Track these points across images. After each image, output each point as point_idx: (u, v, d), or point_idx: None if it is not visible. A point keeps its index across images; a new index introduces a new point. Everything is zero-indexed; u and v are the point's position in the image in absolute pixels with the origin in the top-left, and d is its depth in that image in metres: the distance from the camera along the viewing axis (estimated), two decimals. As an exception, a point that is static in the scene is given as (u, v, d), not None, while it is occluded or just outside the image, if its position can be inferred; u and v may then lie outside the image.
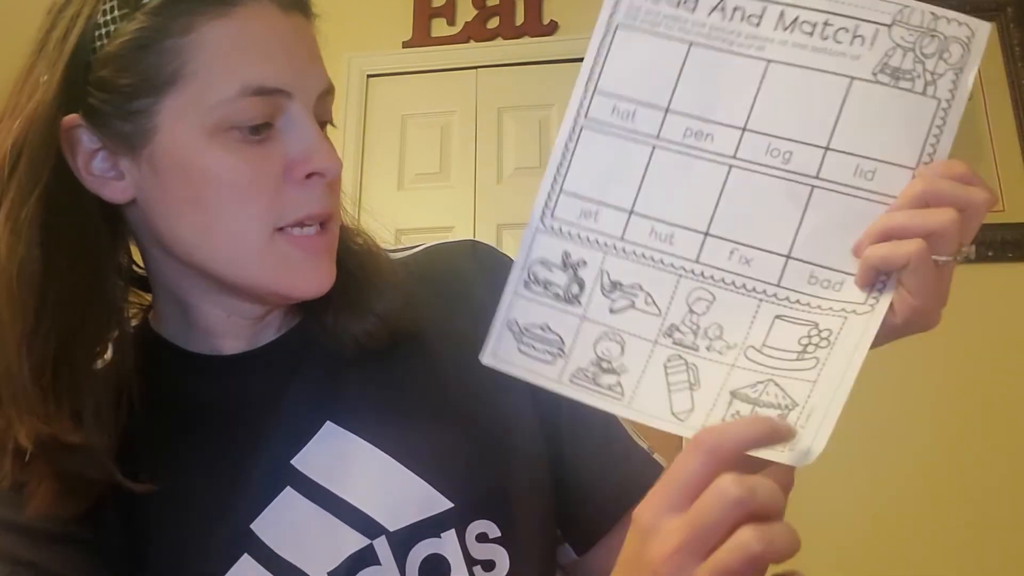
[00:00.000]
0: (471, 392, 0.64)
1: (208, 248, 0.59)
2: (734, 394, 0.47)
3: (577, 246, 0.52)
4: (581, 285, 0.51)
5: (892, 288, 0.46)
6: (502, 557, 0.61)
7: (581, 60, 0.53)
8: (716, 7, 0.50)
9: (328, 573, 0.58)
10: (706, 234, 0.49)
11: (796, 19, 0.49)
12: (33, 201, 0.56)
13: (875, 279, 0.46)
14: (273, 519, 0.60)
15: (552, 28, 2.57)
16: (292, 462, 0.62)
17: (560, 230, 0.52)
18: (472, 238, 0.75)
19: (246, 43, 0.56)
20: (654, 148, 0.51)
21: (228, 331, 0.65)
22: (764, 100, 0.49)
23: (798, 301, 0.48)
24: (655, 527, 0.42)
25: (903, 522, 2.03)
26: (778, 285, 0.48)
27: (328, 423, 0.63)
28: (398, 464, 0.61)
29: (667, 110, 0.51)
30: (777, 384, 0.46)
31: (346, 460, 0.62)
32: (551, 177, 0.53)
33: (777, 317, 0.48)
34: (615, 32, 0.52)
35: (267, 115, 0.57)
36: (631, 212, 0.51)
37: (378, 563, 0.59)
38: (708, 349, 0.48)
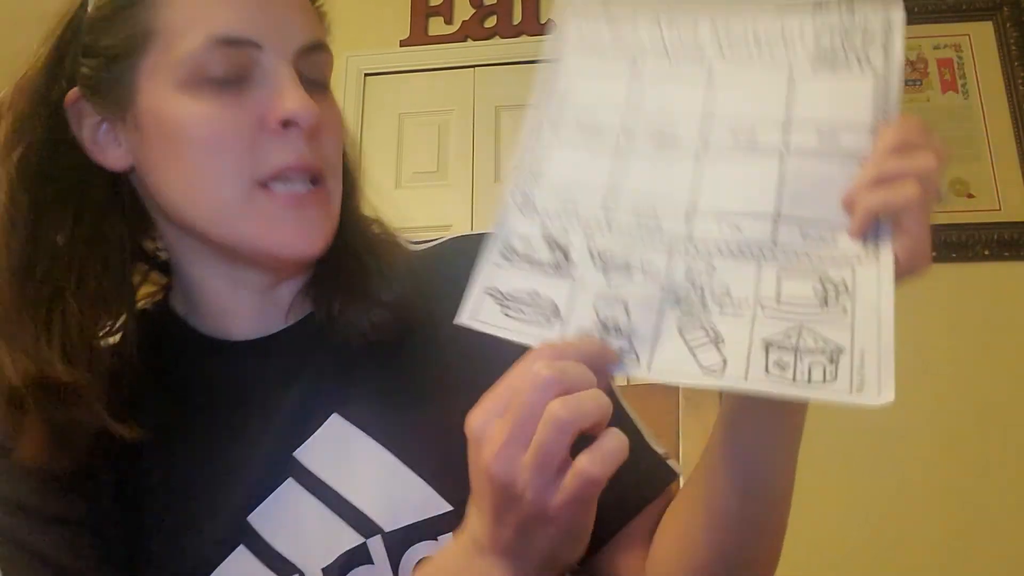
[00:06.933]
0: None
1: (191, 205, 0.60)
2: (768, 343, 0.47)
3: (558, 225, 0.51)
4: (569, 257, 0.50)
5: (887, 234, 0.48)
6: None
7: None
8: (654, 24, 0.54)
9: (322, 570, 0.58)
10: (689, 209, 0.50)
11: (729, 30, 0.53)
12: (16, 159, 0.59)
13: (871, 226, 0.48)
14: (271, 511, 0.60)
15: (550, 27, 2.56)
16: (295, 454, 0.62)
17: (536, 207, 0.52)
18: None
19: None
20: (619, 143, 0.52)
21: (236, 308, 0.65)
22: (717, 95, 0.52)
23: (796, 255, 0.49)
24: (483, 433, 0.44)
25: (900, 522, 2.03)
26: (774, 244, 0.49)
27: (335, 415, 0.63)
28: (401, 464, 0.61)
29: (626, 113, 0.53)
30: (810, 329, 0.47)
31: (349, 455, 0.61)
32: (524, 152, 0.53)
33: (781, 271, 0.49)
34: (564, 55, 0.57)
35: (237, 66, 0.57)
36: (610, 191, 0.51)
37: (371, 562, 0.58)
38: (721, 312, 0.48)
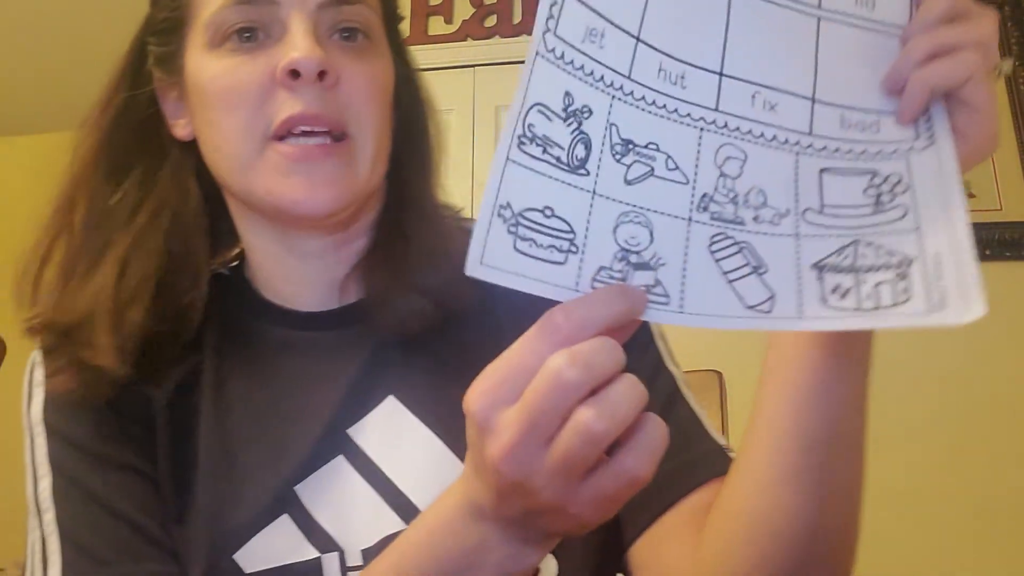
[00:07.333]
0: None
1: (218, 163, 0.62)
2: (820, 267, 0.40)
3: (580, 85, 0.40)
4: (588, 145, 0.40)
5: (941, 114, 0.42)
6: (548, 562, 0.59)
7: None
8: None
9: (362, 551, 0.58)
10: (721, 74, 0.42)
11: None
12: (100, 132, 0.64)
13: (926, 105, 0.42)
14: (319, 485, 0.60)
15: None
16: (348, 431, 0.62)
17: (563, 58, 0.40)
18: None
19: None
20: None
21: (287, 275, 0.66)
22: None
23: (838, 150, 0.42)
24: (489, 421, 0.38)
25: (903, 522, 2.03)
26: (811, 134, 0.42)
27: (391, 397, 0.63)
28: (451, 454, 0.60)
29: None
30: (869, 243, 0.40)
31: (401, 439, 0.61)
32: None
33: (823, 171, 0.42)
34: None
35: (254, 22, 0.59)
36: (638, 38, 0.41)
37: None
38: (756, 220, 0.41)
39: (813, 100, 0.43)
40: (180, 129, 0.65)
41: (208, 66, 0.60)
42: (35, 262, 0.64)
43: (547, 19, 0.40)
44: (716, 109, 0.42)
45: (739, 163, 0.42)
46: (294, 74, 0.57)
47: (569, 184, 0.39)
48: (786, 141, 0.42)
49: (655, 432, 0.38)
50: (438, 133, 0.71)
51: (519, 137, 0.39)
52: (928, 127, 0.42)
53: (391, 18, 0.68)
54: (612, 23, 0.41)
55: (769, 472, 0.50)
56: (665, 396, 0.64)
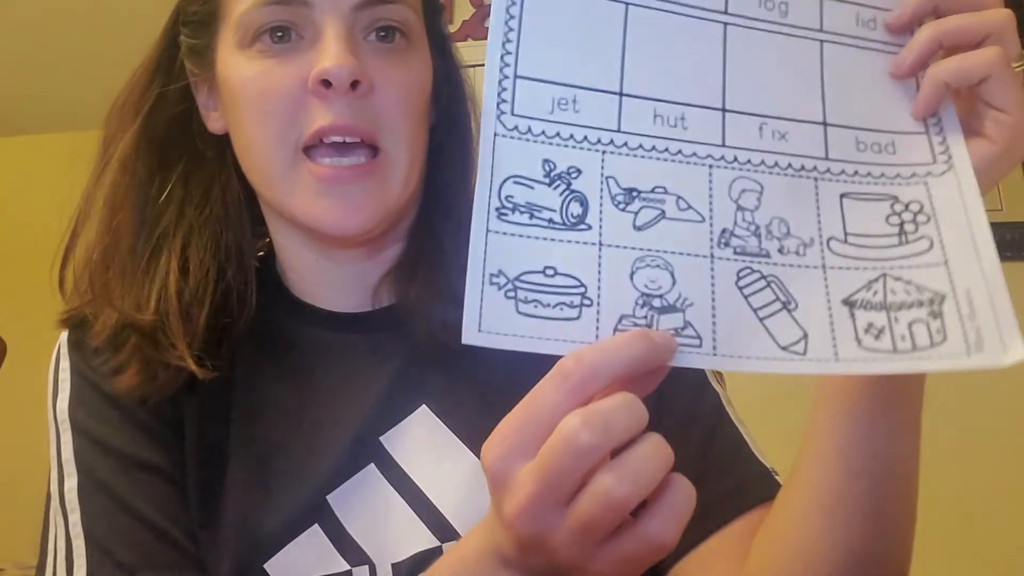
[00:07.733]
0: None
1: (250, 169, 0.61)
2: (851, 304, 0.39)
3: (559, 150, 0.40)
4: (583, 202, 0.39)
5: (957, 136, 0.41)
6: None
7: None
8: None
9: (392, 565, 0.57)
10: (723, 110, 0.41)
11: None
12: (137, 126, 0.63)
13: (940, 102, 0.41)
14: (351, 494, 0.59)
15: None
16: (381, 438, 0.61)
17: (530, 132, 0.40)
18: None
19: None
20: (628, 5, 0.41)
21: (320, 279, 0.65)
22: None
23: (856, 172, 0.42)
24: (504, 476, 0.37)
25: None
26: (828, 159, 0.42)
27: (423, 407, 0.61)
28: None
29: None
30: (897, 278, 0.39)
31: (433, 451, 0.60)
32: (496, 55, 0.42)
33: (844, 196, 0.41)
34: None
35: (287, 24, 0.57)
36: (621, 93, 0.41)
37: None
38: (781, 252, 0.40)
39: (825, 124, 0.42)
40: (214, 122, 0.64)
41: (239, 67, 0.58)
42: (81, 258, 0.63)
43: (498, 103, 0.40)
44: (723, 145, 0.41)
45: (756, 195, 0.41)
46: (326, 83, 0.56)
47: (569, 241, 0.39)
48: (802, 168, 0.42)
49: (682, 495, 0.36)
50: (479, 131, 0.69)
51: (497, 209, 0.39)
52: (944, 149, 0.42)
53: (431, 12, 0.66)
54: (584, 88, 0.40)
55: (817, 501, 0.49)
56: (710, 417, 0.62)
